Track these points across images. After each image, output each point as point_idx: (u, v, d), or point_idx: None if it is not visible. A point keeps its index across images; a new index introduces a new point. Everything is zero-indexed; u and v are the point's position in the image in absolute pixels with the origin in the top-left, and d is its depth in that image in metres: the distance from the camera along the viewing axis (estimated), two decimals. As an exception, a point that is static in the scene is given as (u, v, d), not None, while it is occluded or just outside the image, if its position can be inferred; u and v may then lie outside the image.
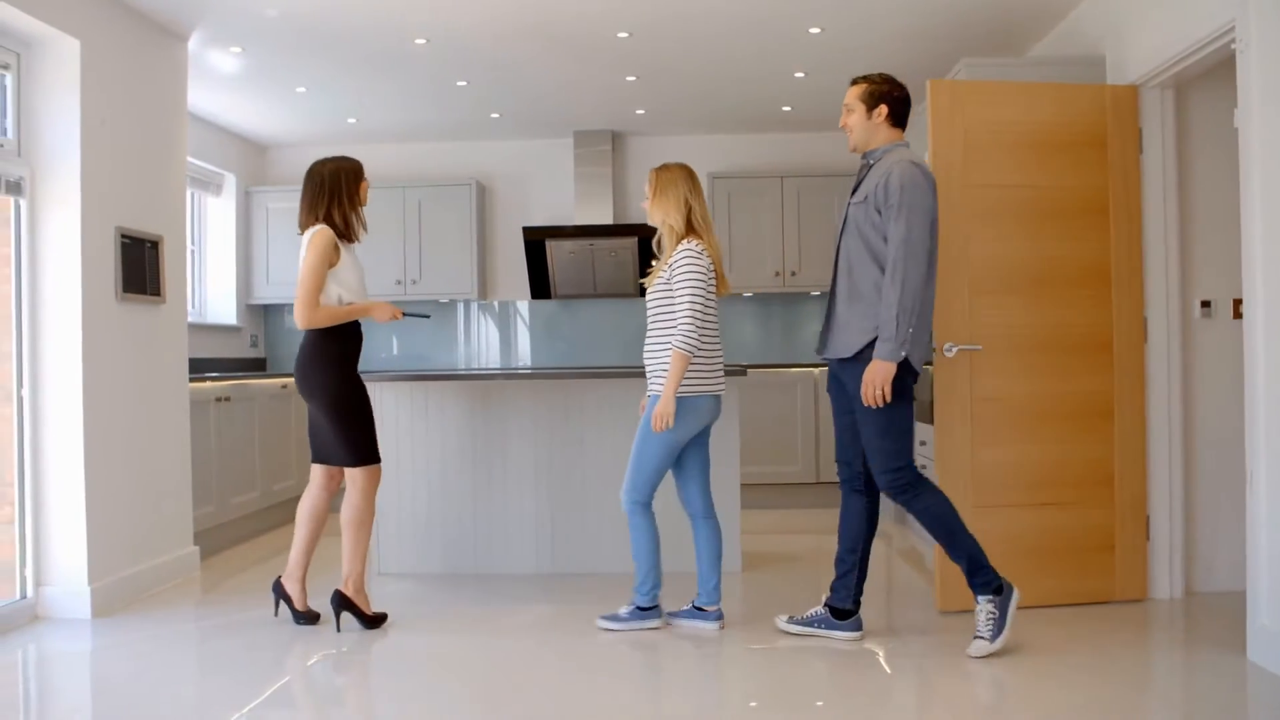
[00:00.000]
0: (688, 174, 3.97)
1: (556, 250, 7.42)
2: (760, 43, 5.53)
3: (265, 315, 7.89)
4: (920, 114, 5.24)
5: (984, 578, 3.70)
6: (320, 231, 3.96)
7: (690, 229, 3.91)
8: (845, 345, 3.74)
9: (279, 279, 7.43)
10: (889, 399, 3.62)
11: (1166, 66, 4.10)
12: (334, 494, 4.14)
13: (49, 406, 4.28)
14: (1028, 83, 4.34)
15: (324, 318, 3.94)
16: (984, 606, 3.67)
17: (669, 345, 3.84)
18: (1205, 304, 4.45)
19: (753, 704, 3.37)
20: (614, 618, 4.01)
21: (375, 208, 7.39)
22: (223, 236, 7.35)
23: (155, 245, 4.84)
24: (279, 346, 7.92)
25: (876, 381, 3.60)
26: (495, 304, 7.85)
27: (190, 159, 6.07)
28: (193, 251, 7.05)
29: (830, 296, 3.84)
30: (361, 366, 4.13)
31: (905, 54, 5.69)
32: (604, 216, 7.48)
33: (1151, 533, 4.33)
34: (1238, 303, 4.42)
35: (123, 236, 4.57)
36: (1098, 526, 4.26)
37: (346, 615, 4.04)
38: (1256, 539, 3.52)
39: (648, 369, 3.98)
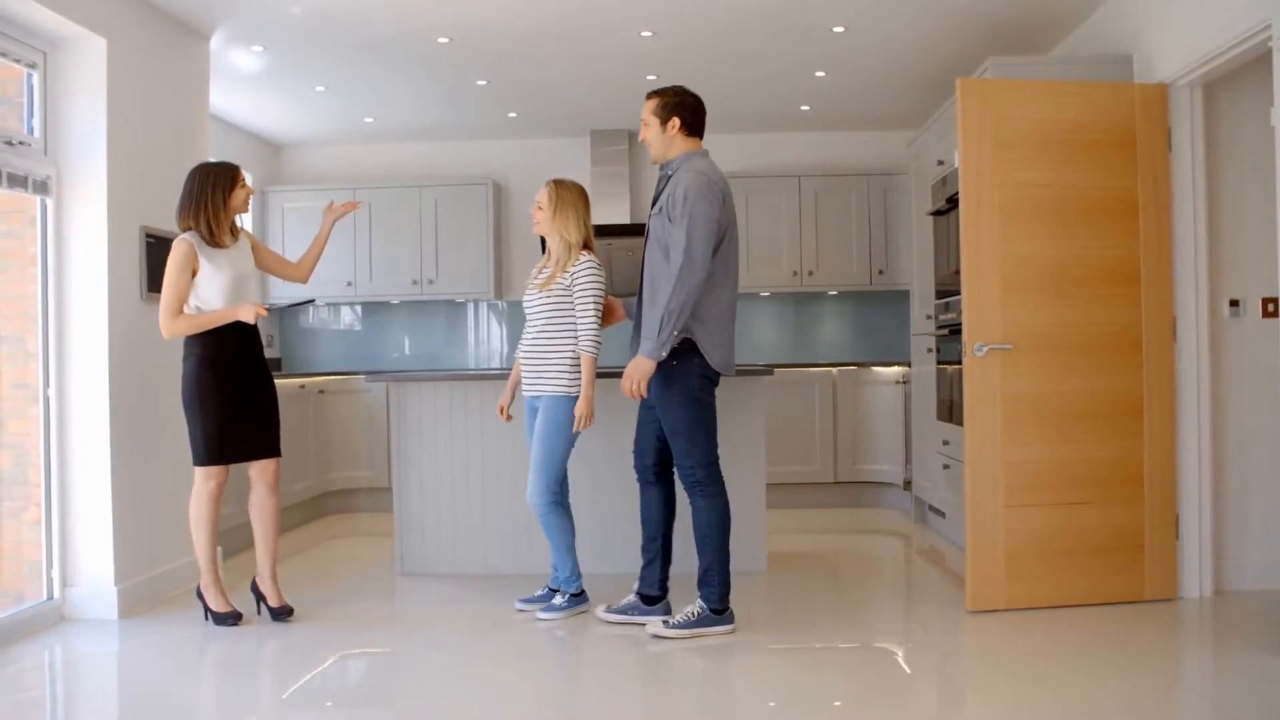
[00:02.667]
0: (584, 194, 4.21)
1: (573, 250, 7.40)
2: (782, 41, 5.51)
3: (281, 315, 7.88)
4: (948, 109, 5.25)
5: (710, 593, 3.86)
6: (177, 243, 4.03)
7: (585, 244, 4.14)
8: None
9: (294, 279, 7.40)
10: (645, 394, 3.79)
11: (1196, 66, 4.08)
12: (269, 486, 4.29)
13: (75, 406, 4.28)
14: (1057, 81, 4.32)
15: (184, 328, 4.03)
16: (696, 605, 3.87)
17: (562, 348, 4.09)
18: (1234, 303, 4.43)
19: (771, 704, 3.35)
20: (551, 609, 4.22)
21: (391, 207, 7.53)
22: (239, 236, 7.33)
23: (179, 245, 4.82)
24: (295, 346, 7.91)
25: (634, 376, 3.79)
26: (503, 304, 7.84)
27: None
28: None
29: (637, 303, 4.01)
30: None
31: (928, 52, 5.68)
32: (621, 216, 7.45)
33: (1181, 532, 4.32)
34: (1267, 301, 4.42)
35: (147, 236, 4.57)
36: (1127, 526, 4.25)
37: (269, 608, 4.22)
38: (1293, 539, 3.50)
39: (535, 371, 4.15)
